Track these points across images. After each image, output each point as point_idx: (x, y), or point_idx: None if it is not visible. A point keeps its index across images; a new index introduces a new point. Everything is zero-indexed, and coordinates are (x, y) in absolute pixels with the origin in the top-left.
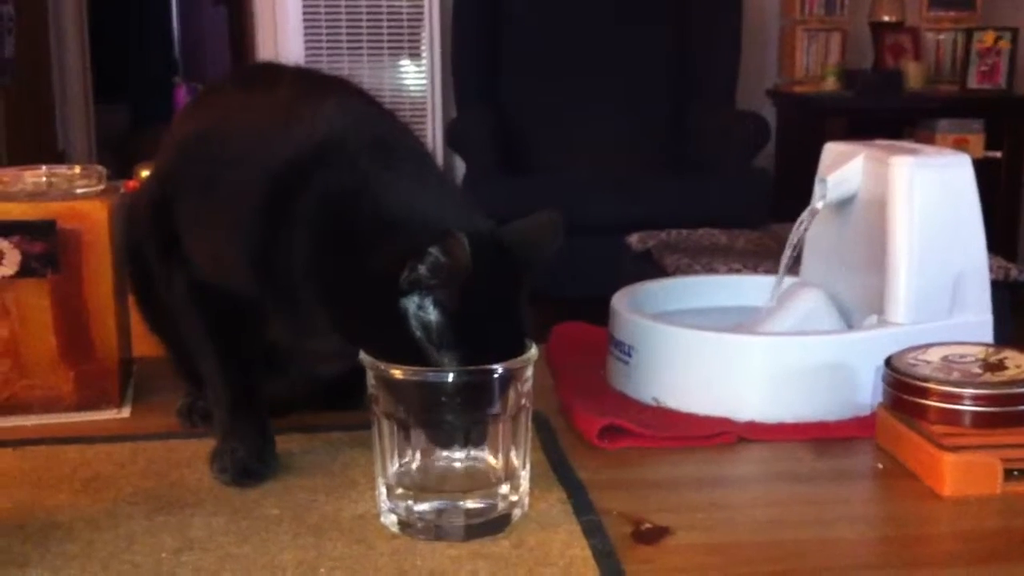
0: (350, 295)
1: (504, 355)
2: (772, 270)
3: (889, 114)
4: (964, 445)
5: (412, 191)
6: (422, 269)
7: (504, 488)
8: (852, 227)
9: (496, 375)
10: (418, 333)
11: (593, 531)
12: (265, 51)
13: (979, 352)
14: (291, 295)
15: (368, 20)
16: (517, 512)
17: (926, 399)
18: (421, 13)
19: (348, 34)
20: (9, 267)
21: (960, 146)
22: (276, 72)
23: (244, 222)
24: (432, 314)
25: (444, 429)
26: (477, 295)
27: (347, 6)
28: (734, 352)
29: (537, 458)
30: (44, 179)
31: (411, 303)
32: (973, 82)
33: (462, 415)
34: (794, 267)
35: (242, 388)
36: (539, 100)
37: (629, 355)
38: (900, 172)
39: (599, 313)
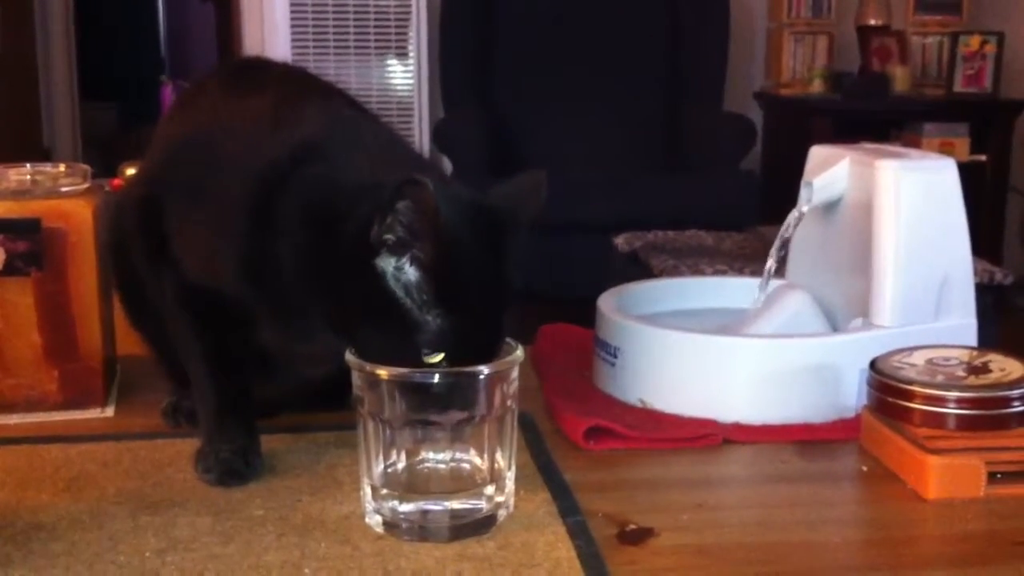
0: (329, 269)
1: (488, 313)
2: (758, 272)
3: (875, 117)
4: (948, 448)
5: (384, 164)
6: (392, 223)
7: (489, 489)
8: (838, 230)
9: (482, 376)
10: (399, 294)
11: (578, 532)
12: (252, 50)
13: (963, 355)
14: (278, 296)
15: (355, 19)
16: (502, 513)
17: (910, 402)
18: (408, 11)
19: (335, 33)
20: None
21: (946, 149)
22: (262, 72)
23: (230, 223)
24: (410, 273)
25: (429, 429)
26: (456, 250)
27: (334, 5)
28: (720, 354)
29: (523, 459)
30: (28, 177)
31: (388, 264)
32: (959, 86)
33: (447, 415)
34: (780, 269)
35: (228, 389)
36: (527, 101)
37: (615, 356)
38: (886, 175)
39: (586, 313)
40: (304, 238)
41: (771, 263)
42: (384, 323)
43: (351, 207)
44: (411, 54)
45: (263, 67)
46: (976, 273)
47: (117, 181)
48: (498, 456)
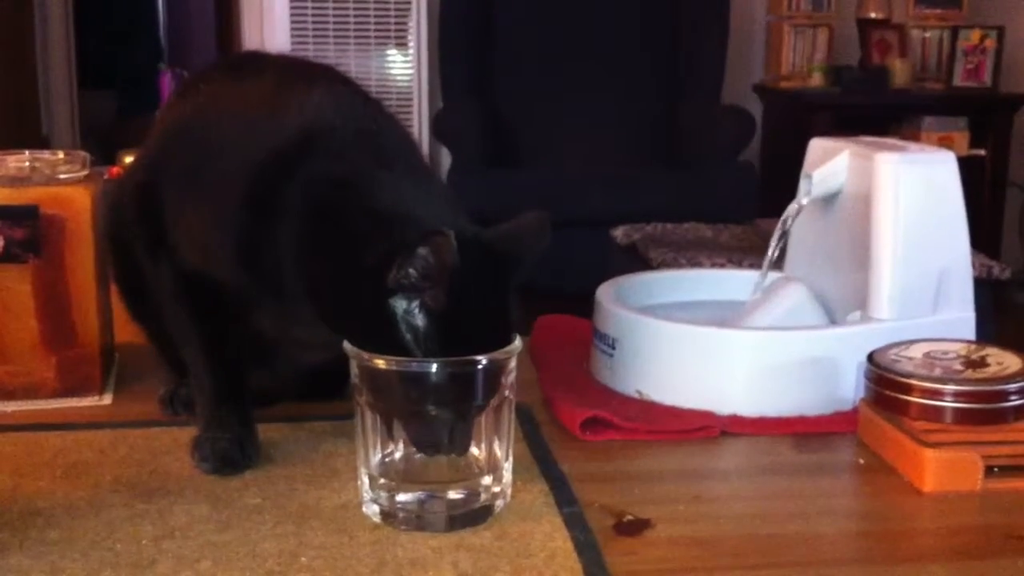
0: (337, 290)
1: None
2: (757, 265)
3: (875, 111)
4: (945, 441)
5: (399, 186)
6: (410, 268)
7: (486, 479)
8: (837, 223)
9: (480, 367)
10: (406, 337)
11: (575, 523)
12: (251, 39)
13: (961, 349)
14: (277, 285)
15: (355, 8)
16: (499, 503)
17: (908, 395)
18: (408, 2)
19: (335, 22)
20: None
21: (945, 144)
22: (263, 60)
23: (230, 211)
24: (419, 319)
25: (427, 422)
26: (464, 300)
27: None
28: (717, 346)
29: (520, 450)
30: (27, 164)
31: (399, 305)
32: (958, 80)
33: (445, 407)
34: (778, 262)
35: (226, 377)
36: (527, 93)
37: (613, 348)
38: (885, 169)
39: (584, 306)
40: (310, 241)
41: (770, 256)
42: (386, 351)
43: (365, 231)
44: (411, 45)
45: (264, 56)
46: (974, 268)
47: (116, 169)
48: (495, 446)
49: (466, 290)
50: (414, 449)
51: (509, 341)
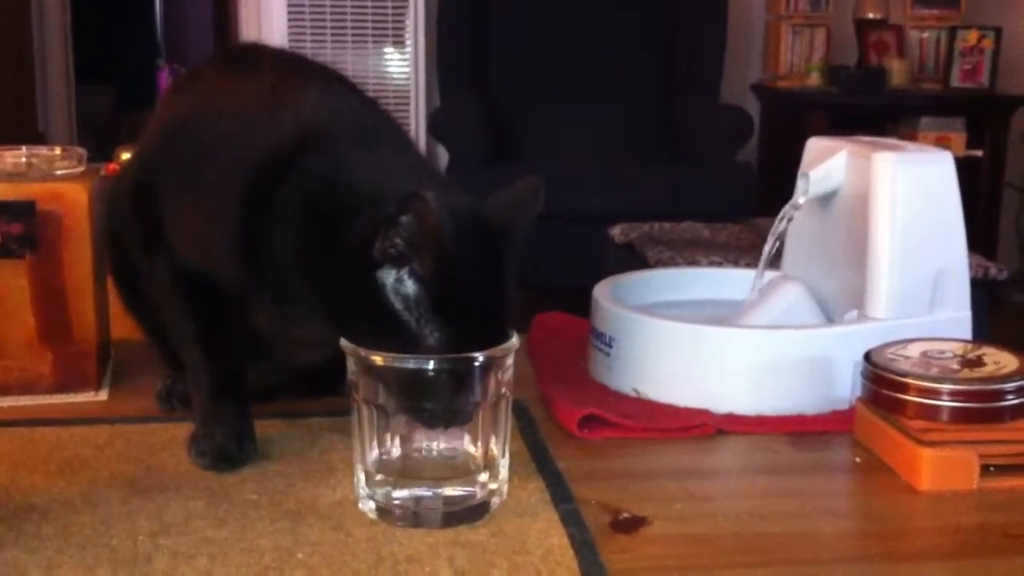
0: (330, 277)
1: (487, 327)
2: (754, 264)
3: (872, 111)
4: (941, 440)
5: (390, 172)
6: (396, 238)
7: (483, 476)
8: (834, 222)
9: (477, 363)
10: (398, 306)
11: (571, 520)
12: (248, 36)
13: (958, 348)
14: (274, 282)
15: (352, 6)
16: (495, 500)
17: (904, 394)
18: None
19: (332, 20)
20: None
21: (942, 144)
22: (259, 57)
23: (226, 209)
24: (410, 286)
25: (424, 416)
26: (456, 265)
27: None
28: (714, 344)
29: (517, 447)
30: (24, 160)
31: (388, 276)
32: (956, 80)
33: (442, 402)
34: (775, 261)
35: (223, 373)
36: (524, 90)
37: (610, 346)
38: (883, 168)
39: (582, 303)
40: (303, 233)
41: (767, 255)
42: (382, 333)
43: (353, 213)
44: (408, 43)
45: (260, 52)
46: (971, 268)
47: (113, 166)
48: (492, 443)
49: (456, 255)
50: (411, 446)
51: (508, 309)
